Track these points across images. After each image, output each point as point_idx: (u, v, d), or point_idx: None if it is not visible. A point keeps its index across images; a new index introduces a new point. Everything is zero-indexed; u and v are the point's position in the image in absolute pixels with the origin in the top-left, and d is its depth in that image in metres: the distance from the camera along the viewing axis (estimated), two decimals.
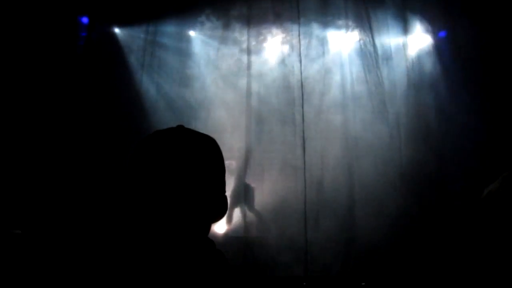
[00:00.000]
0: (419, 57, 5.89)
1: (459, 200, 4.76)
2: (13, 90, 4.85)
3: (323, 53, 6.05)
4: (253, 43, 6.14)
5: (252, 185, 5.97)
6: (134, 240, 0.94)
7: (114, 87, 5.65)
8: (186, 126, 1.04)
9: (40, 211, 4.59)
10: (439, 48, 5.77)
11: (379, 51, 5.87)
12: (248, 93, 5.96)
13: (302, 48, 5.89)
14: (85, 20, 5.84)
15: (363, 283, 4.63)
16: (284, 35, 6.11)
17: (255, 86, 6.04)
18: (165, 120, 5.59)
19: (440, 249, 4.51)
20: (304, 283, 4.82)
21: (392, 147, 5.48)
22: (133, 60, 5.96)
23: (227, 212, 1.11)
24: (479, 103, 5.21)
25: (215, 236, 5.14)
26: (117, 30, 6.04)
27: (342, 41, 6.13)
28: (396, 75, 5.88)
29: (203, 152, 0.98)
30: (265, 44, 6.25)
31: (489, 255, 1.44)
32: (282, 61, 6.11)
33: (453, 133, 5.30)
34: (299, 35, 5.89)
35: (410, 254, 4.77)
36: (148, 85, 5.90)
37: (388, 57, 5.93)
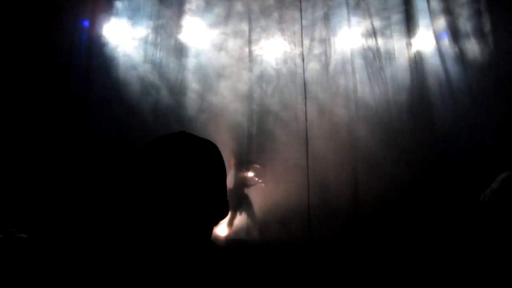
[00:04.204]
0: (422, 58, 5.89)
1: (461, 199, 4.76)
2: (15, 93, 4.87)
3: (326, 53, 6.05)
4: (255, 43, 6.15)
5: (254, 187, 5.95)
6: (138, 243, 0.94)
7: (114, 89, 5.65)
8: (188, 126, 1.04)
9: (44, 214, 4.59)
10: (441, 49, 5.76)
11: (382, 52, 5.88)
12: (250, 93, 5.96)
13: (305, 48, 5.89)
14: (86, 23, 5.86)
15: None
16: (286, 35, 6.10)
17: (257, 86, 6.05)
18: (166, 120, 5.58)
19: (443, 252, 4.48)
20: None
21: (395, 147, 5.46)
22: (134, 61, 5.95)
23: (229, 214, 1.12)
24: (481, 103, 5.20)
25: (217, 239, 5.12)
26: (117, 33, 6.04)
27: (345, 41, 6.13)
28: (399, 75, 5.88)
29: (205, 157, 1.00)
30: (267, 44, 6.24)
31: (488, 253, 1.44)
32: (285, 61, 6.11)
33: (456, 132, 5.29)
34: (301, 35, 5.89)
35: (414, 255, 4.74)
36: (149, 86, 5.90)
37: (391, 57, 5.94)
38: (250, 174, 5.93)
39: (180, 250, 0.93)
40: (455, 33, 5.62)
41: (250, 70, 6.01)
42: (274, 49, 6.25)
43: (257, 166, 5.95)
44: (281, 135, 5.78)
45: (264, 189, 5.85)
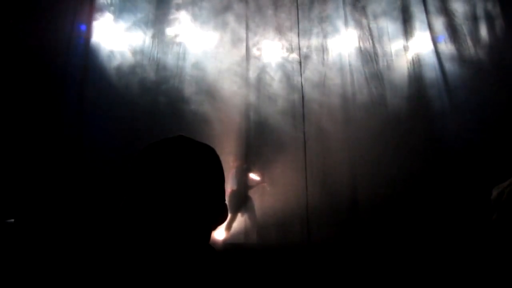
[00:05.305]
0: (419, 60, 5.91)
1: (459, 200, 4.78)
2: (10, 96, 4.86)
3: (323, 56, 6.07)
4: (253, 45, 6.16)
5: (253, 189, 5.93)
6: (135, 247, 0.94)
7: (111, 92, 5.65)
8: (186, 129, 1.04)
9: (39, 210, 4.58)
10: (439, 51, 5.78)
11: (380, 54, 5.90)
12: (248, 95, 5.96)
13: (302, 52, 5.91)
14: (83, 27, 5.86)
15: None
16: (283, 39, 6.12)
17: (255, 88, 6.05)
18: (166, 123, 5.55)
19: (444, 252, 4.48)
20: None
21: (393, 149, 5.46)
22: (131, 64, 5.95)
23: (229, 217, 1.11)
24: (479, 104, 5.23)
25: (214, 243, 5.09)
26: (114, 36, 6.03)
27: (342, 44, 6.15)
28: (397, 77, 5.91)
29: (203, 161, 1.00)
30: (264, 47, 6.26)
31: (508, 254, 1.41)
32: (282, 63, 6.13)
33: (453, 134, 5.31)
34: (298, 38, 5.92)
35: (414, 256, 4.74)
36: (146, 88, 5.89)
37: (388, 59, 5.96)
38: (252, 175, 5.92)
39: (177, 254, 0.93)
40: (452, 36, 5.66)
41: (248, 74, 6.02)
42: (271, 53, 6.27)
43: (256, 169, 5.94)
44: (279, 138, 5.78)
45: (267, 189, 5.83)
